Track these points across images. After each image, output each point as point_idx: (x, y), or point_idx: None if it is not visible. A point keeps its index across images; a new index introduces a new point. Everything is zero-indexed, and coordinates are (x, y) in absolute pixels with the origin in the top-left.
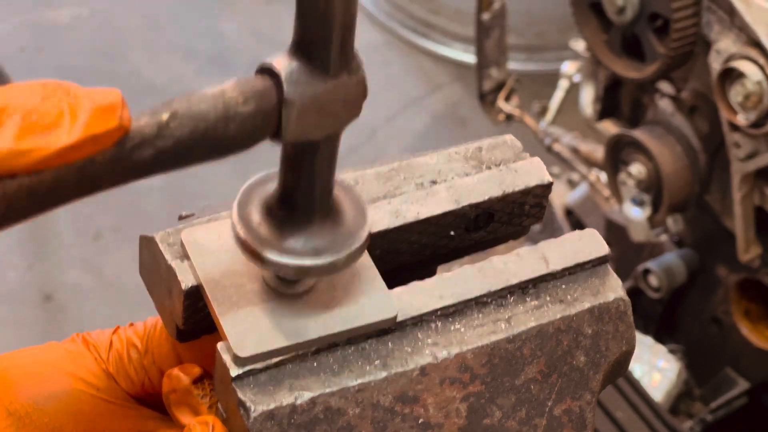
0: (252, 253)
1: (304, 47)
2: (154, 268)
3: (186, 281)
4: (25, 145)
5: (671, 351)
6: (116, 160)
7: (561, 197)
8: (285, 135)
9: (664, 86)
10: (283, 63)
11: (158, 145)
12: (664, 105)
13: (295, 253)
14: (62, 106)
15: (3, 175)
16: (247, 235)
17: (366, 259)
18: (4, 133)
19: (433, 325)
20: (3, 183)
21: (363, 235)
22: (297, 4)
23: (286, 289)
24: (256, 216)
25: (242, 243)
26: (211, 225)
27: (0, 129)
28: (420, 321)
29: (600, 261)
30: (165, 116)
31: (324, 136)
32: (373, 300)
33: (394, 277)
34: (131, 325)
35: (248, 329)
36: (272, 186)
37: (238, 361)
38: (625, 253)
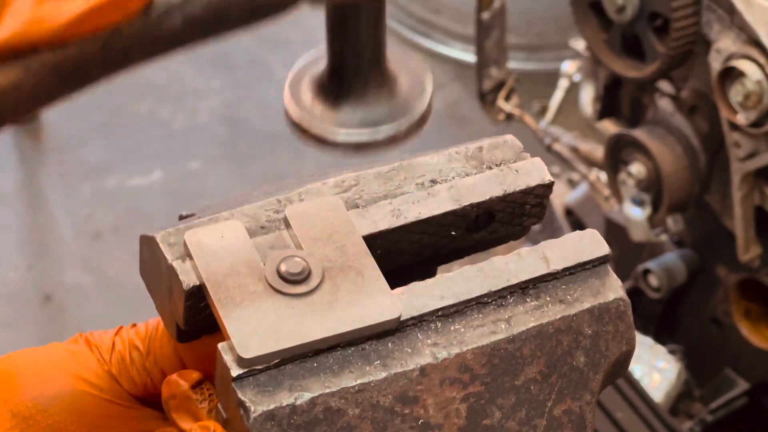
0: (307, 133)
1: None
2: (154, 268)
3: (187, 281)
4: (43, 12)
5: (671, 351)
6: (144, 30)
7: (561, 197)
8: None
9: (664, 86)
10: None
11: (187, 12)
12: (664, 104)
13: (351, 127)
14: None
15: (25, 48)
16: (301, 115)
17: (369, 260)
18: (21, 2)
19: (433, 326)
20: (26, 60)
21: (423, 105)
22: None
23: (289, 289)
24: (308, 95)
25: (297, 125)
26: (215, 226)
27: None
28: (420, 321)
29: (600, 261)
30: None
31: None
32: (377, 301)
33: (394, 277)
34: (133, 325)
35: (252, 330)
36: (322, 65)
37: (242, 362)
38: (625, 253)
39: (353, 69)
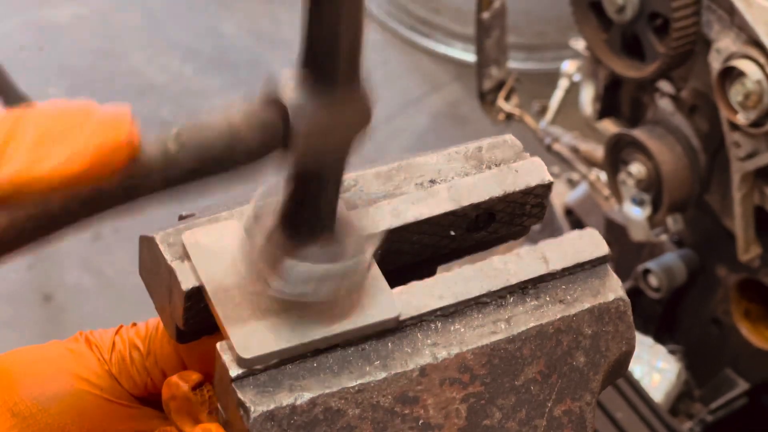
0: (259, 271)
1: (311, 75)
2: (154, 268)
3: (187, 282)
4: (39, 156)
5: (671, 351)
6: (124, 187)
7: (561, 197)
8: (291, 162)
9: (664, 85)
10: (289, 93)
11: (165, 170)
12: (664, 104)
13: (294, 280)
14: (74, 121)
15: (15, 198)
16: (254, 252)
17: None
18: (20, 143)
19: (432, 326)
20: (11, 211)
21: (365, 260)
22: (303, 29)
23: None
24: (260, 235)
25: (250, 261)
26: (213, 226)
27: (15, 140)
28: (420, 321)
29: (600, 261)
30: (171, 141)
31: (330, 163)
32: (376, 300)
33: (394, 278)
34: (134, 325)
35: (251, 330)
36: (275, 206)
37: (242, 362)
38: (625, 253)
39: (305, 224)
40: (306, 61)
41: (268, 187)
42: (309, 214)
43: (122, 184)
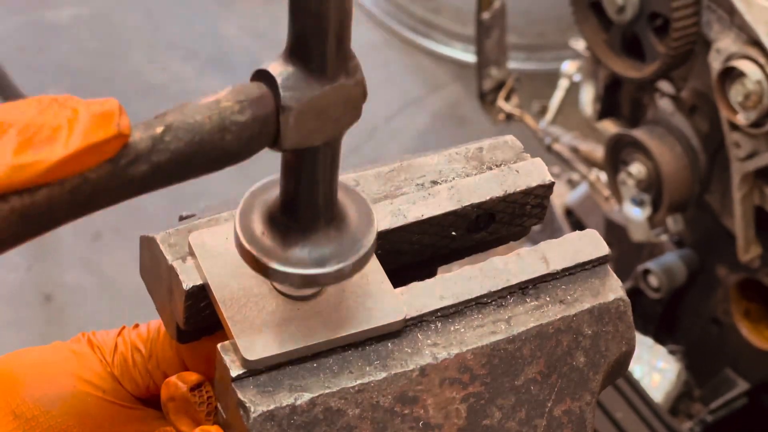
0: (256, 264)
1: (299, 50)
2: (154, 268)
3: (188, 281)
4: (24, 160)
5: (671, 352)
6: (111, 178)
7: (561, 197)
8: (284, 142)
9: (664, 86)
10: (278, 68)
11: (153, 160)
12: (664, 104)
13: (300, 263)
14: (59, 118)
15: (5, 192)
16: (251, 246)
17: (374, 261)
18: (2, 148)
19: (433, 326)
20: None
21: (369, 241)
22: (290, 6)
23: (294, 292)
24: (258, 225)
25: (246, 254)
26: (219, 228)
27: None
28: (420, 321)
29: (600, 261)
30: (159, 129)
31: (324, 141)
32: (381, 303)
33: (395, 278)
34: (136, 326)
35: (256, 332)
36: (274, 193)
37: (247, 364)
38: (625, 253)
39: (305, 208)
40: (293, 50)
41: (261, 183)
42: (307, 198)
43: (109, 176)
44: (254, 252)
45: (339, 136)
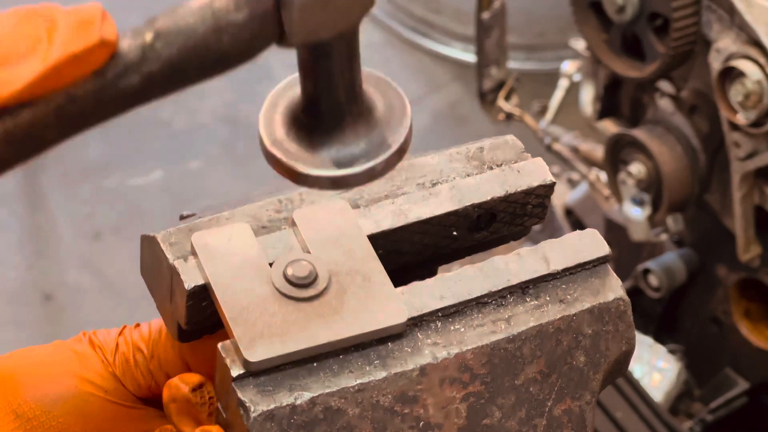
0: (283, 168)
1: None
2: (155, 268)
3: (189, 281)
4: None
5: (671, 351)
6: (99, 92)
7: (561, 197)
8: (290, 38)
9: (664, 85)
10: None
11: (145, 70)
12: (664, 104)
13: (327, 165)
14: (37, 30)
15: None
16: (277, 150)
17: (376, 264)
18: None
19: (433, 325)
20: None
21: (402, 136)
22: None
23: (296, 293)
24: (281, 129)
25: (273, 160)
26: (222, 228)
27: None
28: (420, 321)
29: (600, 261)
30: (149, 37)
31: (336, 33)
32: (383, 305)
33: (395, 277)
34: (137, 326)
35: (258, 334)
36: (297, 92)
37: (248, 365)
38: (625, 252)
39: (327, 106)
40: None
41: (284, 83)
42: (327, 96)
43: (97, 90)
44: (280, 156)
45: (352, 27)
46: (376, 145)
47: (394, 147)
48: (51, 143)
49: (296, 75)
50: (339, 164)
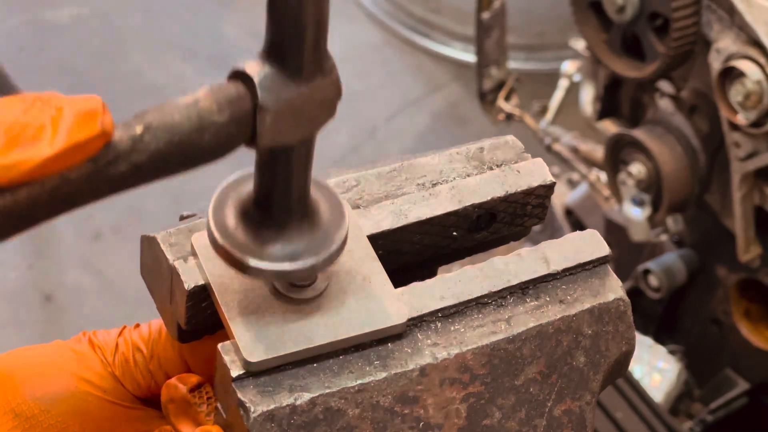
0: (230, 258)
1: (277, 50)
2: (155, 268)
3: (189, 281)
4: (9, 160)
5: (671, 352)
6: (91, 177)
7: (561, 197)
8: (260, 141)
9: (664, 86)
10: (255, 68)
11: (133, 159)
12: (664, 104)
13: (272, 258)
14: (44, 117)
15: None
16: (225, 240)
17: (376, 264)
18: None
19: (433, 326)
20: None
21: (341, 237)
22: (268, 7)
23: (295, 294)
24: (231, 220)
25: (219, 249)
26: None
27: None
28: (420, 321)
29: (600, 261)
30: (139, 129)
31: (300, 139)
32: (383, 306)
33: (395, 277)
34: (137, 326)
35: (257, 334)
36: (248, 188)
37: (248, 366)
38: (625, 253)
39: (279, 204)
40: (270, 50)
41: (237, 175)
42: (281, 194)
43: (90, 175)
44: (228, 246)
45: (314, 134)
46: (319, 243)
47: (335, 246)
48: (41, 220)
49: (243, 172)
50: (283, 258)
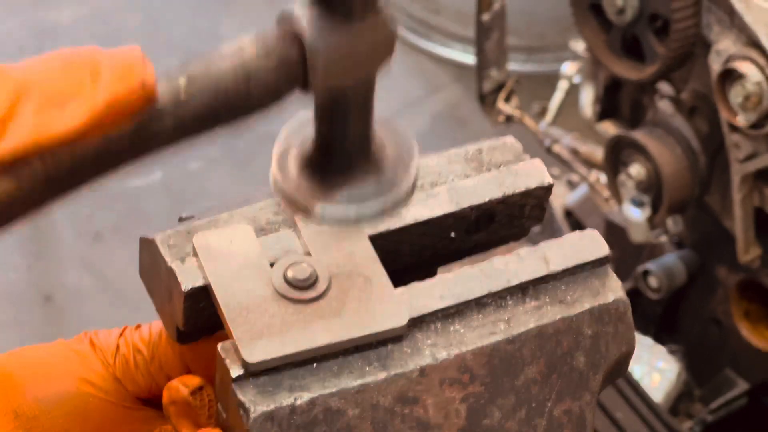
0: (294, 205)
1: (325, 2)
2: (154, 270)
3: (186, 283)
4: (47, 121)
5: (671, 352)
6: (135, 135)
7: (561, 198)
8: (313, 87)
9: (664, 87)
10: (303, 10)
11: (178, 114)
12: (664, 106)
13: (337, 203)
14: (82, 74)
15: (29, 155)
16: (289, 186)
17: (377, 266)
18: (24, 109)
19: (432, 326)
20: (17, 172)
21: (410, 178)
22: None
23: (296, 295)
24: (294, 167)
25: (285, 196)
26: (223, 230)
27: (19, 106)
28: (420, 322)
29: (600, 262)
30: (182, 81)
31: (355, 81)
32: (383, 307)
33: (395, 278)
34: (138, 327)
35: (258, 335)
36: (310, 132)
37: (248, 366)
38: (624, 254)
39: (340, 150)
40: None
41: (297, 120)
42: (342, 138)
43: (133, 132)
44: (292, 193)
45: (372, 75)
46: (385, 187)
47: (403, 189)
48: (87, 183)
49: (303, 114)
50: (349, 205)
